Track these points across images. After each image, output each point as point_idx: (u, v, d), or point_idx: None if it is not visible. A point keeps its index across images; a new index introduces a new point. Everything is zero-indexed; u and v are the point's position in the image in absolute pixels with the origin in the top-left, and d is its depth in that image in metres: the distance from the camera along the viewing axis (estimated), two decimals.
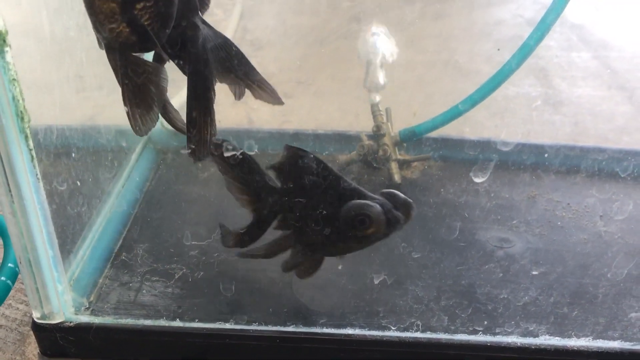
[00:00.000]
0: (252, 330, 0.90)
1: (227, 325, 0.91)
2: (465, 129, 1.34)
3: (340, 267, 0.93)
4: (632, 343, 0.88)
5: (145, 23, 0.71)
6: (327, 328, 0.91)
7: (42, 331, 0.91)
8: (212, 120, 0.79)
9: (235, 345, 0.90)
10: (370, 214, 0.82)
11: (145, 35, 0.71)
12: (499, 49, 1.55)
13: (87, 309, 0.94)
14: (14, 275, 0.97)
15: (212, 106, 0.78)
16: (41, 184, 0.82)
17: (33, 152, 0.79)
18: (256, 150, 0.82)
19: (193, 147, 0.78)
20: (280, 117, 1.53)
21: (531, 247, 1.04)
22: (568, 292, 0.94)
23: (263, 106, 0.96)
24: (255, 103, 0.89)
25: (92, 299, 0.96)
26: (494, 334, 0.89)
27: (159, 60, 0.79)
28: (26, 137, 0.78)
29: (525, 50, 1.08)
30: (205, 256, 1.00)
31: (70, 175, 0.95)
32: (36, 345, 0.94)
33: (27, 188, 0.80)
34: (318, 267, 0.91)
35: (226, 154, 0.81)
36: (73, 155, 0.97)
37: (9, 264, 0.97)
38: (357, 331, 0.90)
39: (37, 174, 0.81)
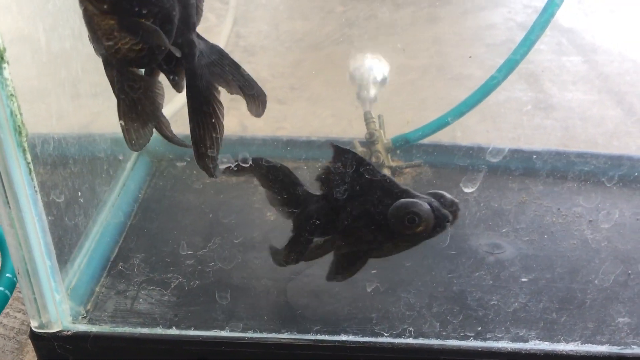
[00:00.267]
0: (247, 337, 0.92)
1: (223, 333, 0.92)
2: (457, 134, 1.36)
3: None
4: (619, 347, 0.90)
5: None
6: (321, 335, 0.92)
7: (40, 340, 0.93)
8: (217, 133, 0.80)
9: (230, 352, 0.91)
10: (420, 212, 0.82)
11: (143, 52, 0.73)
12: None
13: (85, 317, 0.95)
14: (12, 285, 0.98)
15: (215, 120, 0.79)
16: (39, 196, 0.83)
17: (31, 165, 0.80)
18: (250, 162, 0.83)
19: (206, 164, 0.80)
20: (274, 123, 1.54)
21: (521, 253, 1.05)
22: (557, 297, 0.96)
23: None
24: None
25: (89, 307, 0.97)
26: (485, 339, 0.91)
27: (151, 74, 0.81)
28: (24, 150, 0.79)
29: (511, 64, 1.11)
30: (201, 265, 1.01)
31: (66, 186, 0.96)
32: (34, 354, 0.96)
33: (25, 200, 0.81)
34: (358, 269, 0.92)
35: (221, 167, 0.82)
36: (69, 165, 0.98)
37: (7, 274, 0.98)
38: (350, 337, 0.92)
39: (34, 186, 0.82)
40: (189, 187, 1.22)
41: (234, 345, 0.91)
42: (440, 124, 1.22)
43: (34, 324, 0.92)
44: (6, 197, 0.80)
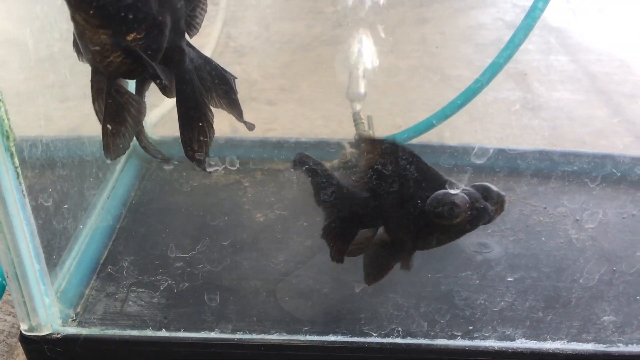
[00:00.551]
0: (236, 339, 0.92)
1: (212, 335, 0.93)
2: (445, 134, 1.36)
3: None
4: (605, 345, 0.91)
5: None
6: (310, 335, 0.93)
7: (29, 343, 0.93)
8: (206, 137, 0.81)
9: (220, 353, 0.92)
10: (458, 204, 0.81)
11: (135, 65, 0.73)
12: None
13: (74, 320, 0.95)
14: (1, 289, 0.99)
15: (203, 124, 0.80)
16: (27, 200, 0.83)
17: (19, 170, 0.81)
18: (238, 165, 0.84)
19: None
20: (263, 124, 1.55)
21: (509, 252, 1.06)
22: (543, 296, 0.97)
23: (246, 114, 0.99)
24: None
25: (78, 310, 0.97)
26: (472, 338, 0.92)
27: (142, 83, 0.81)
28: (11, 155, 0.79)
29: (495, 68, 1.12)
30: (190, 267, 1.02)
31: (55, 189, 0.96)
32: (24, 356, 0.96)
33: (13, 204, 0.81)
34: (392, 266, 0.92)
35: (209, 170, 0.83)
36: (58, 169, 0.98)
37: None
38: (339, 338, 0.92)
39: (22, 191, 0.82)
40: (178, 189, 1.22)
41: (223, 347, 0.92)
42: (427, 126, 1.23)
43: (23, 327, 0.93)
44: None
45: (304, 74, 1.81)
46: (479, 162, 0.81)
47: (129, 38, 0.72)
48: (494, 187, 0.85)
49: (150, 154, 0.91)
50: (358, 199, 0.89)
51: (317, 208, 1.16)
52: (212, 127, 0.82)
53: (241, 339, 0.92)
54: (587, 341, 0.92)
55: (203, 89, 0.81)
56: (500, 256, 1.06)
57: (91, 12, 0.69)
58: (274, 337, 0.93)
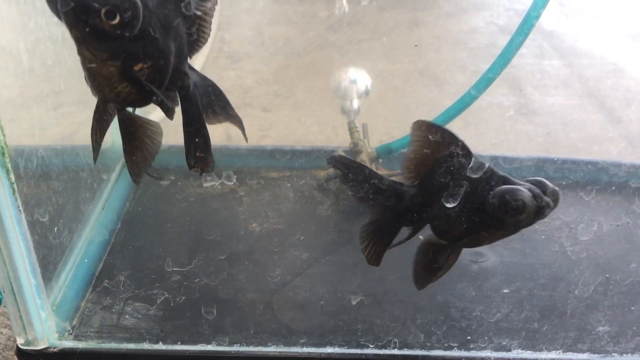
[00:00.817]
0: (233, 351, 0.92)
1: (209, 347, 0.93)
2: None
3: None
4: (600, 355, 0.92)
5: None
6: (307, 347, 0.93)
7: (26, 357, 0.93)
8: (209, 154, 0.82)
9: None
10: (525, 200, 0.78)
11: (143, 93, 0.74)
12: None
13: (71, 333, 0.95)
14: None
15: (208, 144, 0.81)
16: (23, 216, 0.83)
17: (14, 186, 0.80)
18: (234, 180, 0.84)
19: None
20: (258, 131, 1.55)
21: (504, 261, 1.07)
22: (539, 307, 0.98)
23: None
24: None
25: (74, 323, 0.97)
26: (469, 349, 0.93)
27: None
28: (7, 171, 0.79)
29: (485, 81, 1.12)
30: (187, 280, 1.02)
31: (51, 203, 0.96)
32: None
33: (9, 220, 0.81)
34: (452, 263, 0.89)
35: (205, 184, 0.83)
36: (53, 183, 0.98)
37: None
38: (336, 349, 0.92)
39: (18, 206, 0.82)
40: (173, 198, 1.22)
41: (221, 359, 0.92)
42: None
43: (20, 341, 0.93)
44: None
45: (299, 79, 1.82)
46: (475, 176, 0.81)
47: (136, 68, 0.72)
48: (549, 183, 0.82)
49: (146, 172, 0.91)
50: (404, 195, 0.85)
51: (314, 217, 1.17)
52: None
53: (238, 351, 0.92)
54: (583, 351, 0.92)
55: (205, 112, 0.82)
56: (495, 265, 1.06)
57: (99, 46, 0.69)
58: (271, 349, 0.93)
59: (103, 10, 0.66)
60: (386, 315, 0.96)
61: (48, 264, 0.95)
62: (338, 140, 1.51)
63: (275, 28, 2.05)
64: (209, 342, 0.93)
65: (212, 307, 0.96)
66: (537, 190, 0.80)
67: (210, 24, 0.79)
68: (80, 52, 0.72)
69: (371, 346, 0.93)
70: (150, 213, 1.18)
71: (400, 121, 1.57)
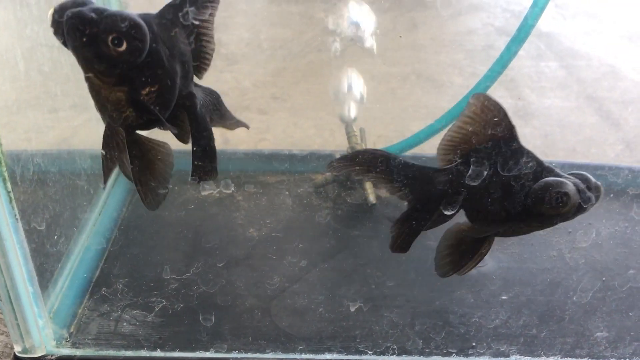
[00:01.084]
0: (232, 358, 0.92)
1: (208, 354, 0.93)
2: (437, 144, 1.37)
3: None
4: None
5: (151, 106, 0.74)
6: (305, 354, 0.93)
7: None
8: (214, 168, 0.82)
9: None
10: (569, 193, 0.76)
11: (150, 116, 0.75)
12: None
13: (68, 341, 0.95)
14: None
15: (215, 159, 0.82)
16: (20, 224, 0.83)
17: (11, 194, 0.80)
18: (233, 189, 0.84)
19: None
20: (256, 135, 1.55)
21: (502, 266, 1.07)
22: (537, 312, 0.98)
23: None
24: None
25: (72, 330, 0.97)
26: (467, 355, 0.93)
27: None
28: (4, 179, 0.79)
29: (481, 88, 1.13)
30: (185, 288, 1.01)
31: (47, 210, 0.96)
32: None
33: (6, 229, 0.81)
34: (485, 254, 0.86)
35: (203, 193, 0.83)
36: (50, 190, 0.98)
37: None
38: (335, 356, 0.92)
39: (15, 215, 0.82)
40: (170, 204, 1.22)
41: None
42: (421, 137, 1.23)
43: (17, 349, 0.92)
44: None
45: (296, 82, 1.81)
46: (473, 184, 0.81)
47: (143, 92, 0.73)
48: (591, 177, 0.80)
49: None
50: (438, 180, 0.81)
51: (312, 222, 1.17)
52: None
53: (236, 358, 0.92)
54: (581, 357, 0.92)
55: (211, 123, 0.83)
56: (493, 270, 1.06)
57: (106, 72, 0.70)
58: (270, 355, 0.93)
59: (110, 38, 0.66)
60: (385, 321, 0.96)
61: (45, 271, 0.95)
62: (335, 143, 1.51)
63: (272, 30, 2.05)
64: (207, 349, 0.93)
65: (210, 314, 0.96)
66: (582, 185, 0.78)
67: (212, 37, 0.79)
68: (87, 78, 0.72)
69: (370, 352, 0.93)
70: (147, 219, 1.18)
71: (397, 124, 1.57)
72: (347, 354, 0.93)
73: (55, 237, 0.98)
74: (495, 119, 0.76)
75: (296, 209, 1.20)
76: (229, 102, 0.99)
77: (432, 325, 0.96)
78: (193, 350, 0.93)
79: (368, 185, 1.23)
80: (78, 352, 0.93)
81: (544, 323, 0.96)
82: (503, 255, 1.09)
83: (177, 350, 0.93)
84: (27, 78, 0.94)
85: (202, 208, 1.20)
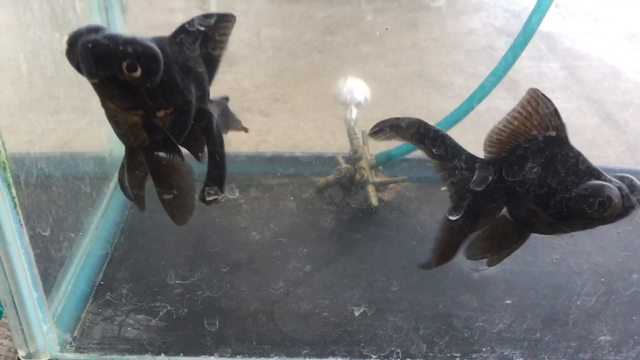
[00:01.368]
0: None
1: (212, 359, 0.93)
2: None
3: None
4: None
5: (166, 129, 0.75)
6: (309, 358, 0.93)
7: None
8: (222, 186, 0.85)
9: None
10: (613, 198, 0.76)
11: (167, 138, 0.76)
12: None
13: (72, 345, 0.95)
14: None
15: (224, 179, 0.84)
16: (24, 229, 0.83)
17: (16, 200, 0.80)
18: (237, 194, 0.84)
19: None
20: (257, 137, 1.54)
21: (505, 269, 1.07)
22: (540, 316, 0.98)
23: None
24: None
25: (75, 334, 0.96)
26: (471, 359, 0.93)
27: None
28: (9, 185, 0.79)
29: (483, 91, 1.14)
30: (189, 292, 1.01)
31: (51, 214, 0.96)
32: None
33: (10, 234, 0.81)
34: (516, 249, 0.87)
35: (208, 199, 0.83)
36: (53, 193, 0.97)
37: None
38: None
39: (20, 220, 0.82)
40: None
41: None
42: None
43: (21, 354, 0.92)
44: None
45: (296, 83, 1.81)
46: (479, 189, 0.81)
47: (159, 115, 0.74)
48: (637, 181, 0.79)
49: (122, 188, 0.92)
50: (485, 170, 0.81)
51: (314, 225, 1.17)
52: None
53: None
54: None
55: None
56: (496, 274, 1.06)
57: (121, 97, 0.71)
58: (274, 359, 0.93)
59: (125, 64, 0.67)
60: (389, 325, 0.96)
61: (48, 275, 0.94)
62: (337, 145, 1.51)
63: (272, 30, 2.04)
64: (211, 354, 0.93)
65: (214, 319, 0.96)
66: (627, 190, 0.77)
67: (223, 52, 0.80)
68: (103, 103, 0.73)
69: (374, 356, 0.93)
70: (149, 222, 1.17)
71: None
72: (351, 358, 0.93)
73: (60, 241, 0.98)
74: (546, 117, 0.77)
75: (298, 213, 1.20)
76: (229, 103, 0.99)
77: (436, 329, 0.96)
78: (197, 354, 0.93)
79: (370, 188, 1.23)
80: (82, 357, 0.93)
81: (548, 327, 0.96)
82: (506, 259, 1.09)
83: (182, 354, 0.93)
84: (30, 81, 0.94)
85: (204, 211, 1.20)
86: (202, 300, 0.99)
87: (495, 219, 0.85)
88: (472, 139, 1.48)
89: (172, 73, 0.71)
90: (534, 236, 1.12)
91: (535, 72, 1.81)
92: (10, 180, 0.79)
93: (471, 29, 2.11)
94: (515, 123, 0.79)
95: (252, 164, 1.33)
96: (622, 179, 0.79)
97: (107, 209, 1.18)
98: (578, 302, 0.98)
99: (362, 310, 0.96)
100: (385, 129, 0.84)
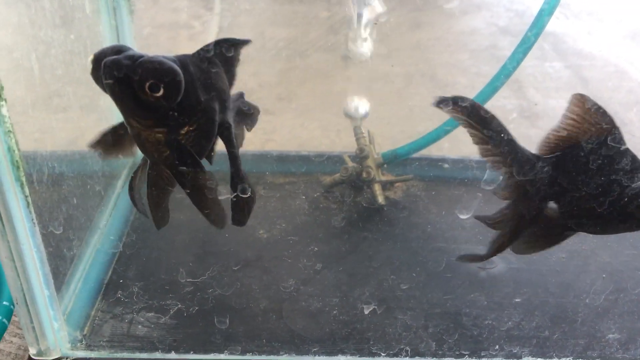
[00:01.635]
0: None
1: (222, 356, 0.93)
2: (444, 144, 1.37)
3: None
4: None
5: (190, 145, 0.76)
6: (319, 356, 0.93)
7: None
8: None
9: None
10: None
11: (190, 155, 0.77)
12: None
13: (82, 342, 0.95)
14: (9, 313, 0.99)
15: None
16: (37, 228, 0.83)
17: (29, 199, 0.80)
18: (249, 193, 0.84)
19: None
20: (262, 135, 1.55)
21: (512, 268, 1.07)
22: (549, 315, 0.98)
23: None
24: None
25: (86, 332, 0.97)
26: (480, 356, 0.93)
27: None
28: (22, 184, 0.79)
29: (490, 90, 1.17)
30: (200, 291, 1.02)
31: (62, 212, 0.96)
32: None
33: (23, 233, 0.81)
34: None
35: (220, 198, 0.83)
36: (64, 191, 0.98)
37: (4, 302, 0.98)
38: (348, 358, 0.93)
39: (32, 219, 0.82)
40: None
41: None
42: (429, 139, 1.24)
43: (32, 351, 0.93)
44: (5, 230, 0.80)
45: (301, 82, 1.81)
46: (488, 188, 0.81)
47: (182, 133, 0.75)
48: None
49: (136, 207, 0.93)
50: (540, 166, 0.81)
51: (322, 223, 1.17)
52: None
53: (251, 359, 0.93)
54: (593, 358, 0.93)
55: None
56: (504, 272, 1.07)
57: (144, 115, 0.72)
58: (283, 357, 0.93)
59: (147, 85, 0.68)
60: (398, 323, 0.97)
61: (59, 273, 0.95)
62: (342, 144, 1.51)
63: (276, 29, 2.05)
64: (221, 351, 0.94)
65: (224, 317, 0.96)
66: None
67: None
68: (127, 122, 0.75)
69: (383, 354, 0.93)
70: None
71: (404, 125, 1.57)
72: (360, 356, 0.93)
73: (70, 239, 0.99)
74: (600, 119, 0.77)
75: (306, 211, 1.20)
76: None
77: (445, 327, 0.96)
78: (207, 352, 0.94)
79: (376, 187, 1.23)
80: (93, 354, 0.94)
81: (556, 325, 0.97)
82: (513, 257, 1.10)
83: (192, 352, 0.94)
84: (41, 80, 0.94)
85: None
86: (213, 298, 0.99)
87: (546, 216, 0.85)
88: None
89: (195, 90, 0.73)
90: None
91: (539, 72, 1.81)
92: (24, 179, 0.79)
93: (474, 28, 2.12)
94: (567, 127, 0.80)
95: (258, 163, 1.33)
96: None
97: (117, 206, 1.19)
98: (587, 300, 0.99)
99: (371, 308, 0.97)
100: (449, 103, 0.82)
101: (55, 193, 0.95)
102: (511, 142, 0.83)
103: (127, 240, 1.13)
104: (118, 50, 0.71)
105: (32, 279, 0.85)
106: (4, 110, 0.73)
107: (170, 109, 0.72)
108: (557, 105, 1.70)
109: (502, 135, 0.82)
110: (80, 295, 1.01)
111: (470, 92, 1.22)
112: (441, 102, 0.81)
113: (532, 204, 0.83)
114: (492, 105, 1.59)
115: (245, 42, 0.80)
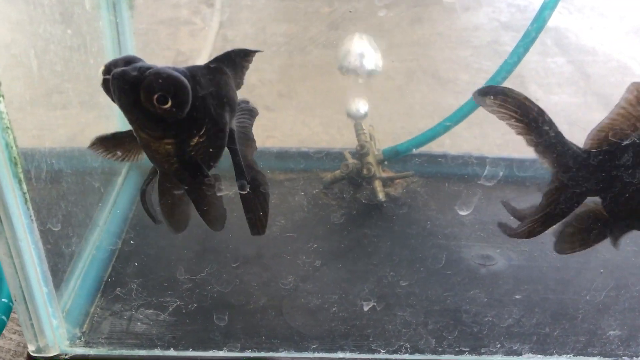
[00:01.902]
0: (245, 357, 0.93)
1: (221, 353, 0.93)
2: (445, 141, 1.37)
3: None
4: (610, 359, 0.92)
5: (200, 157, 0.77)
6: (318, 352, 0.93)
7: None
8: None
9: None
10: None
11: (198, 167, 0.78)
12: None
13: (81, 340, 0.95)
14: (8, 310, 0.98)
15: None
16: (35, 225, 0.83)
17: (27, 195, 0.80)
18: (249, 189, 0.84)
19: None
20: (263, 132, 1.54)
21: (513, 264, 1.07)
22: (548, 310, 0.98)
23: None
24: None
25: (84, 329, 0.97)
26: (480, 353, 0.93)
27: None
28: (20, 181, 0.79)
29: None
30: (199, 288, 1.02)
31: (60, 210, 0.96)
32: None
33: (21, 230, 0.81)
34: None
35: (219, 194, 0.83)
36: (63, 188, 0.98)
37: (3, 299, 0.98)
38: (347, 355, 0.93)
39: (30, 216, 0.82)
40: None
41: None
42: (430, 135, 1.23)
43: (31, 348, 0.92)
44: (3, 227, 0.79)
45: (302, 78, 1.81)
46: (489, 184, 0.81)
47: (192, 144, 0.75)
48: None
49: (148, 213, 0.94)
50: (586, 161, 0.78)
51: (322, 220, 1.17)
52: None
53: (250, 357, 0.93)
54: (593, 355, 0.93)
55: None
56: (504, 269, 1.06)
57: (153, 127, 0.73)
58: (283, 354, 0.93)
59: (155, 97, 0.68)
60: (397, 320, 0.97)
61: (58, 270, 0.95)
62: (343, 140, 1.51)
63: (277, 25, 2.04)
64: (220, 348, 0.94)
65: (223, 313, 0.96)
66: None
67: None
68: (137, 133, 0.75)
69: (382, 351, 0.93)
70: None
71: (405, 121, 1.57)
72: (360, 353, 0.93)
73: (69, 236, 0.99)
74: None
75: (306, 207, 1.20)
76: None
77: (445, 324, 0.96)
78: (206, 349, 0.94)
79: (377, 183, 1.23)
80: (92, 351, 0.94)
81: (557, 322, 0.96)
82: (514, 254, 1.09)
83: (191, 349, 0.94)
84: (40, 76, 0.94)
85: None
86: (212, 295, 0.99)
87: (590, 213, 0.83)
88: (478, 134, 1.49)
89: (205, 101, 0.73)
90: None
91: (541, 67, 1.81)
92: (22, 175, 0.79)
93: (477, 24, 2.11)
94: (619, 119, 0.76)
95: (259, 159, 1.33)
96: None
97: (116, 203, 1.18)
98: (587, 297, 0.98)
99: (371, 305, 0.96)
100: (493, 94, 0.80)
101: (54, 190, 0.94)
102: (559, 136, 0.81)
103: (127, 238, 1.13)
104: (129, 61, 0.71)
105: (30, 276, 0.85)
106: (2, 107, 0.73)
107: (178, 121, 0.72)
108: (560, 101, 1.71)
109: (550, 129, 0.80)
110: (79, 292, 1.01)
111: (471, 89, 1.21)
112: (486, 93, 0.78)
113: (578, 199, 0.81)
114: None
115: (257, 52, 0.80)
